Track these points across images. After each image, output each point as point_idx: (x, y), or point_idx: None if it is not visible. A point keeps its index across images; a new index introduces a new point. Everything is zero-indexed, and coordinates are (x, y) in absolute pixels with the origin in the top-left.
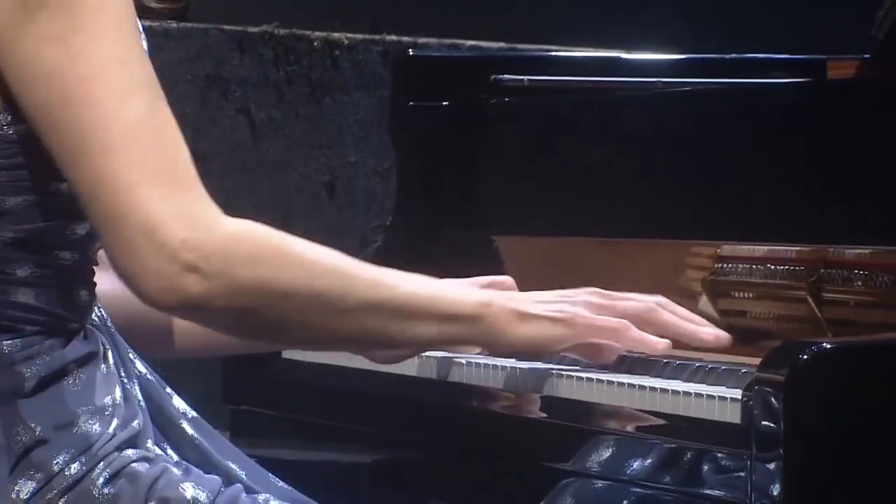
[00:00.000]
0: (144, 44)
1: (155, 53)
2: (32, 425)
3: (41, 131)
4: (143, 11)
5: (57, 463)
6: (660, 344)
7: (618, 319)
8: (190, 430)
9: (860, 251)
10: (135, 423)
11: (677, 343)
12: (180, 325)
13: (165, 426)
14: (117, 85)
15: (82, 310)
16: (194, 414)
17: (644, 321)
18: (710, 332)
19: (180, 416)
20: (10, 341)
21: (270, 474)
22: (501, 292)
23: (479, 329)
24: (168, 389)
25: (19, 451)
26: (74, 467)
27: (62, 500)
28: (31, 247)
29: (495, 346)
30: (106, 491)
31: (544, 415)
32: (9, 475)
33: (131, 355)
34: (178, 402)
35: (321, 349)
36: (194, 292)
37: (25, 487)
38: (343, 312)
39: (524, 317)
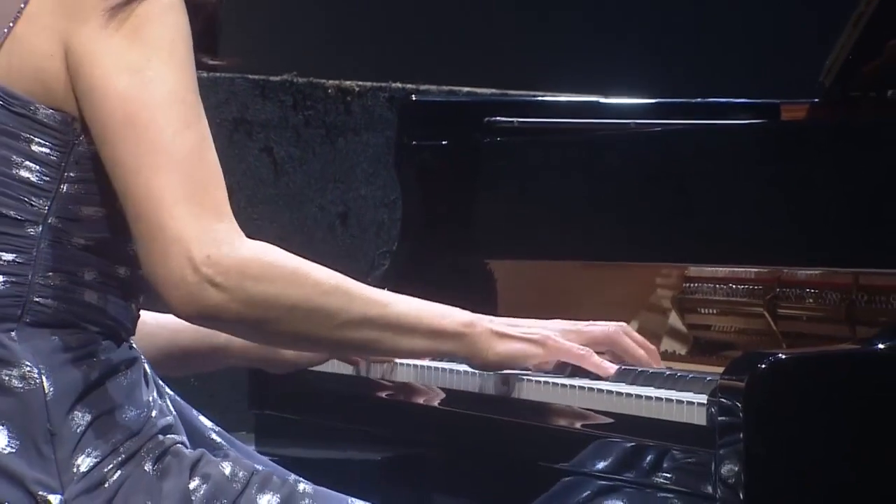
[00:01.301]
0: None
1: None
2: (90, 410)
3: (101, 146)
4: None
5: (111, 442)
6: (612, 369)
7: (583, 347)
8: (218, 439)
9: (811, 272)
10: (170, 417)
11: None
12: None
13: (196, 437)
14: (175, 117)
15: (133, 321)
16: (219, 429)
17: (605, 345)
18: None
19: (208, 430)
20: (73, 336)
21: (291, 473)
22: (485, 316)
23: (462, 345)
24: (195, 412)
25: (81, 430)
26: (126, 446)
27: (117, 473)
28: (98, 255)
29: (475, 360)
30: (156, 466)
31: (537, 419)
32: (71, 453)
33: (158, 381)
34: (205, 420)
35: (322, 353)
36: (212, 303)
37: (84, 463)
38: (342, 325)
39: (502, 336)
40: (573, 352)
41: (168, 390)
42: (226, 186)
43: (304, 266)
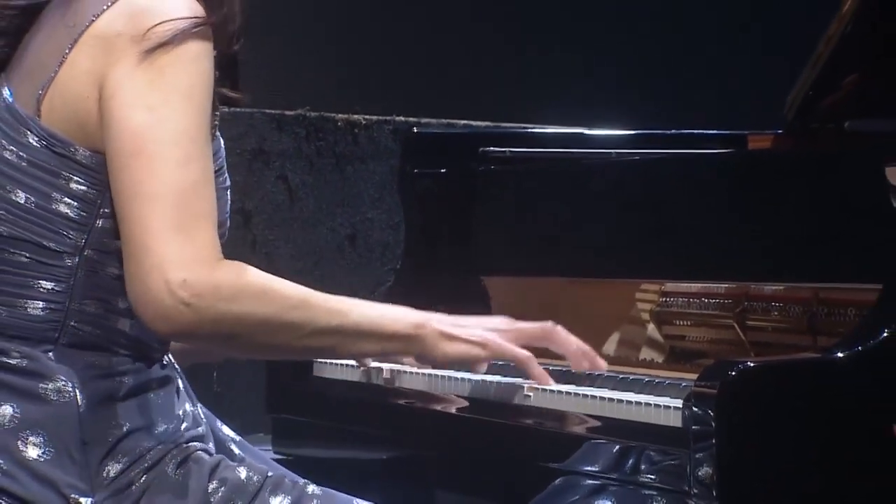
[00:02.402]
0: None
1: None
2: (123, 423)
3: (111, 175)
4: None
5: (139, 450)
6: (550, 379)
7: (523, 351)
8: (237, 451)
9: (776, 287)
10: (200, 429)
11: (620, 362)
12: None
13: (218, 446)
14: (180, 154)
15: (165, 344)
16: (239, 438)
17: (543, 341)
18: (585, 361)
19: (229, 441)
20: (105, 357)
21: (301, 478)
22: (434, 315)
23: (413, 346)
24: (219, 422)
25: (112, 441)
26: (152, 454)
27: (143, 478)
28: None
29: (425, 360)
30: (178, 471)
31: (529, 422)
32: (101, 461)
33: (191, 393)
34: (227, 430)
35: (290, 359)
36: (185, 322)
37: (113, 469)
38: (308, 335)
39: (450, 338)
40: (515, 354)
41: (200, 405)
42: (245, 212)
43: (272, 284)
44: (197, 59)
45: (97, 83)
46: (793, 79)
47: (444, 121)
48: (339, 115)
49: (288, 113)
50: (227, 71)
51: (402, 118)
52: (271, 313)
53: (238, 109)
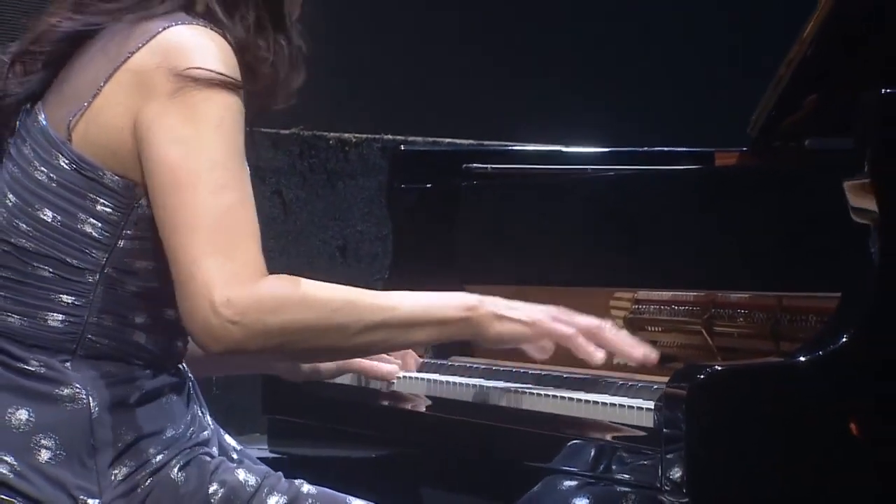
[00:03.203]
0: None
1: None
2: (133, 429)
3: (154, 208)
4: None
5: (146, 454)
6: (599, 353)
7: (570, 328)
8: (236, 458)
9: (741, 295)
10: (206, 433)
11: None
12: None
13: (221, 452)
14: (215, 182)
15: (176, 356)
16: (241, 447)
17: (591, 335)
18: (640, 352)
19: (231, 450)
20: (119, 367)
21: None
22: (488, 297)
23: (467, 328)
24: (223, 431)
25: (122, 446)
26: (158, 458)
27: (148, 480)
28: (148, 300)
29: (478, 339)
30: (180, 474)
31: (514, 423)
32: (110, 464)
33: (200, 397)
34: (230, 439)
35: (344, 358)
36: (235, 339)
37: (121, 472)
38: (356, 334)
39: (501, 318)
40: (559, 330)
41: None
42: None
43: (313, 290)
44: (227, 98)
45: (132, 115)
46: (756, 99)
47: (429, 139)
48: (331, 134)
49: (283, 132)
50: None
51: (389, 137)
52: (316, 318)
53: None
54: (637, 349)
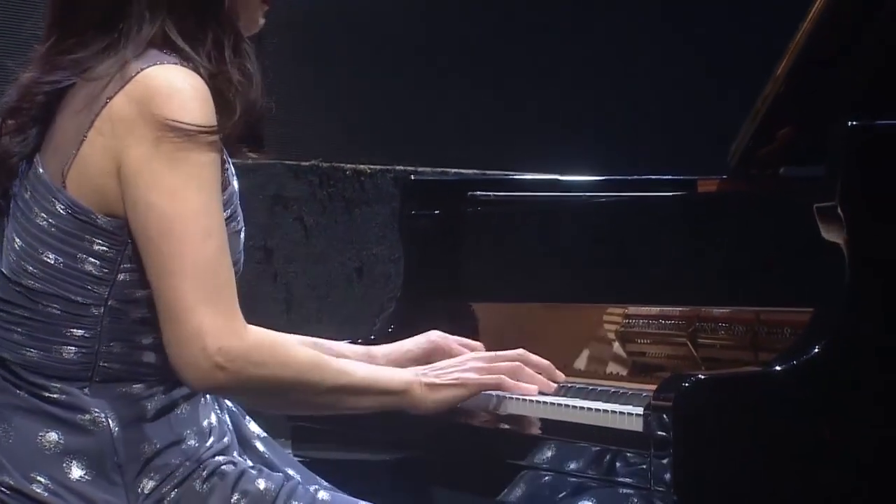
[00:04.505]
0: (232, 168)
1: (239, 180)
2: (153, 442)
3: (142, 252)
4: (233, 152)
5: (169, 466)
6: (532, 388)
7: (495, 378)
8: (261, 447)
9: (723, 310)
10: (225, 440)
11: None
12: None
13: (243, 443)
14: (200, 228)
15: None
16: (264, 434)
17: (516, 374)
18: (559, 376)
19: (254, 437)
20: (138, 386)
21: (318, 476)
22: (417, 369)
23: (406, 400)
24: (247, 418)
25: (144, 460)
26: (181, 470)
27: (173, 493)
28: (152, 324)
29: (418, 410)
30: (204, 486)
31: (512, 427)
32: (135, 478)
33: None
34: (254, 426)
35: (305, 414)
36: (220, 382)
37: (147, 485)
38: (320, 393)
39: (433, 388)
40: (489, 384)
41: (228, 402)
42: (267, 249)
43: (291, 350)
44: (204, 146)
45: (114, 159)
46: (735, 131)
47: (437, 169)
48: (348, 165)
49: (303, 164)
50: (253, 128)
51: (401, 167)
52: (290, 377)
53: (261, 161)
54: (557, 373)
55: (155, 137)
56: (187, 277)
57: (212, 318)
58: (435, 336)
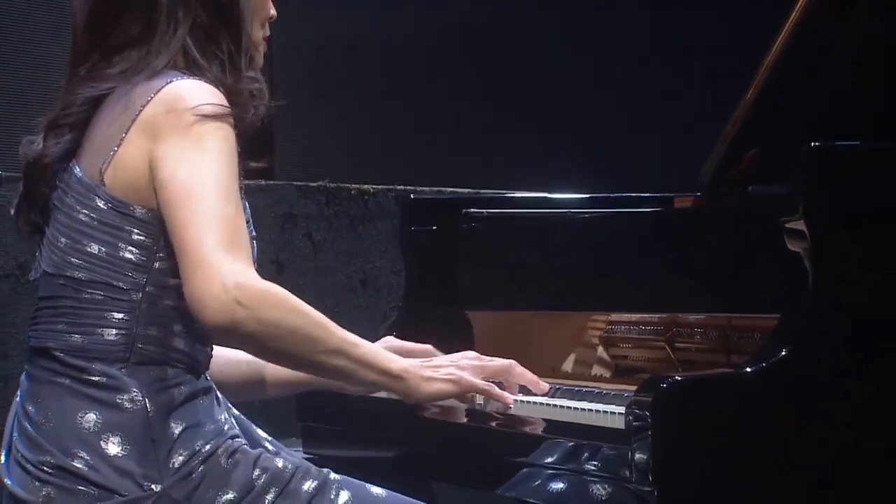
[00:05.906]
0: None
1: (252, 201)
2: (180, 423)
3: (165, 216)
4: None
5: (196, 445)
6: (509, 398)
7: (486, 383)
8: (271, 448)
9: (698, 316)
10: (236, 430)
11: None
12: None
13: (253, 444)
14: (219, 193)
15: (207, 361)
16: (271, 438)
17: (502, 375)
18: (542, 387)
19: (263, 440)
20: (165, 370)
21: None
22: (414, 361)
23: (401, 385)
24: (253, 425)
25: (172, 438)
26: (207, 448)
27: (200, 468)
28: (183, 312)
29: (410, 398)
30: (228, 461)
31: (506, 426)
32: (167, 455)
33: (227, 403)
34: (261, 432)
35: (305, 372)
36: (237, 317)
37: (177, 461)
38: (323, 352)
39: (428, 380)
40: (479, 387)
41: (235, 410)
42: (279, 263)
43: (300, 304)
44: (221, 129)
45: (147, 157)
46: (707, 152)
47: (434, 189)
48: (352, 186)
49: (311, 184)
50: (259, 147)
51: (401, 187)
52: (299, 324)
53: (273, 182)
54: (539, 385)
55: (178, 126)
56: (209, 228)
57: (230, 262)
58: (391, 341)
